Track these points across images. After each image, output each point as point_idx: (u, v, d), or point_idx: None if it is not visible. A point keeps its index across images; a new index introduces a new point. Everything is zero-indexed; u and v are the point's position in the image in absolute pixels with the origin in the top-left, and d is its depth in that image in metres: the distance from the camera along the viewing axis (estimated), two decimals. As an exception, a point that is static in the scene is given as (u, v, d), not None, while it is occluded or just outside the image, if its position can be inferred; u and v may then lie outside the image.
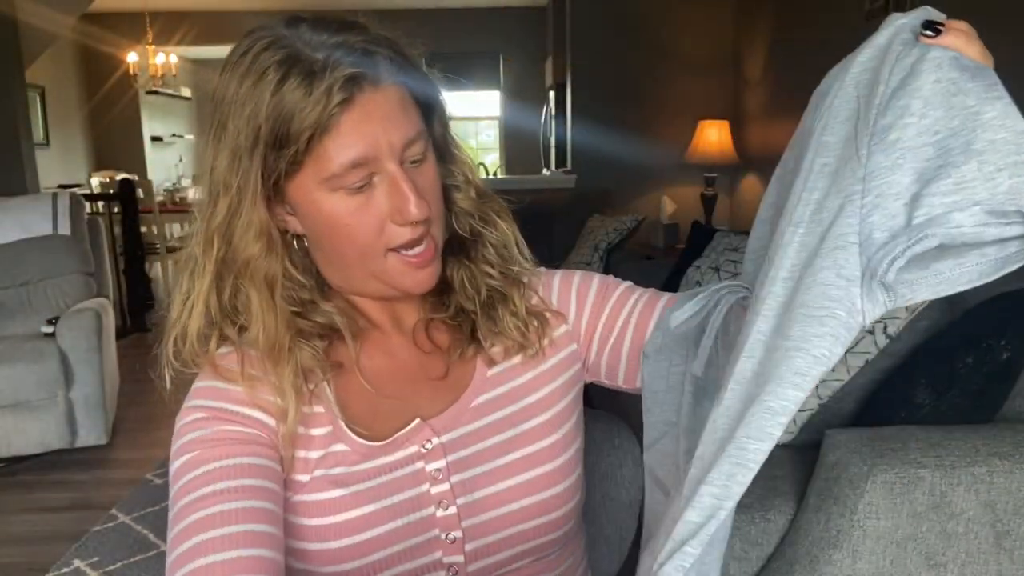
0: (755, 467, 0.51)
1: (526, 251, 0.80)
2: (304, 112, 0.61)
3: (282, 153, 0.63)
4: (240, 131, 0.64)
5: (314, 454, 0.69)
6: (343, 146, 0.63)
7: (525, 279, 0.79)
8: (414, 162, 0.67)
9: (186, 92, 9.22)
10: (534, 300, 0.79)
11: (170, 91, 8.39)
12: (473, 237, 0.77)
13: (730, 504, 0.52)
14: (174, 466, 0.65)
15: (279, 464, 0.67)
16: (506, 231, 0.78)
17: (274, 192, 0.67)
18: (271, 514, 0.63)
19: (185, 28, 7.84)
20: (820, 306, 0.50)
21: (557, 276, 0.82)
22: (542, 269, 0.82)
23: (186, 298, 0.69)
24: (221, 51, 9.33)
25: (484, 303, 0.76)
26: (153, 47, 7.18)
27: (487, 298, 0.76)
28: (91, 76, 8.12)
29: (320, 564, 0.67)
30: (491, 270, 0.76)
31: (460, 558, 0.69)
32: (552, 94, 5.96)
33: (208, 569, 0.57)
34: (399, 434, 0.70)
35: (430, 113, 0.72)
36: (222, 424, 0.66)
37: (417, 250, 0.67)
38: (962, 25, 0.51)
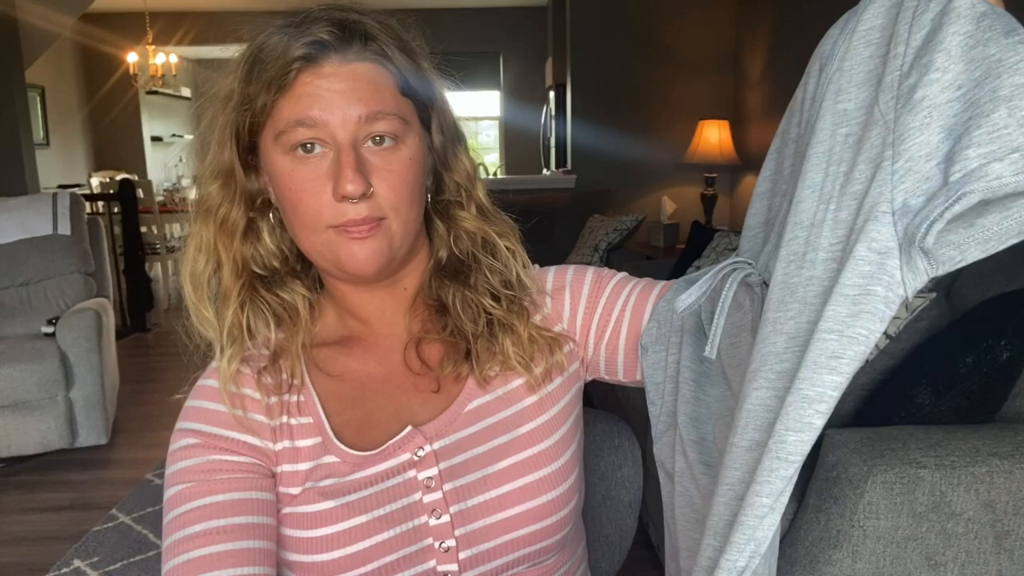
0: (797, 460, 0.48)
1: (532, 273, 0.78)
2: (270, 67, 0.64)
3: (248, 106, 0.66)
4: (219, 92, 0.69)
5: (303, 466, 0.69)
6: (294, 103, 0.64)
7: (527, 302, 0.76)
8: (377, 142, 0.66)
9: (186, 92, 9.22)
10: (537, 319, 0.76)
11: (170, 91, 8.39)
12: (473, 262, 0.75)
13: (780, 502, 0.49)
14: (167, 494, 0.67)
15: (272, 492, 0.68)
16: (509, 258, 0.76)
17: (252, 152, 0.70)
18: (263, 552, 0.64)
19: (185, 28, 7.84)
20: (853, 284, 0.47)
21: (551, 273, 0.80)
22: (536, 267, 0.80)
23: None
24: (221, 51, 9.34)
25: (482, 331, 0.73)
26: (153, 47, 7.18)
27: (486, 325, 0.73)
28: (91, 76, 8.12)
29: None
30: (489, 301, 0.74)
31: (455, 567, 0.68)
32: (552, 94, 5.96)
33: None
34: (390, 442, 0.70)
35: (426, 113, 0.71)
36: (213, 453, 0.67)
37: (358, 228, 0.66)
38: None
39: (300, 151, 0.65)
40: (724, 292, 0.60)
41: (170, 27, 7.72)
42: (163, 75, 7.30)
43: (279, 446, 0.70)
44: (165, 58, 7.34)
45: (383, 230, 0.67)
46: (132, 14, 7.41)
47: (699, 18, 4.79)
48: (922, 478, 1.20)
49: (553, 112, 5.97)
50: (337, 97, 0.64)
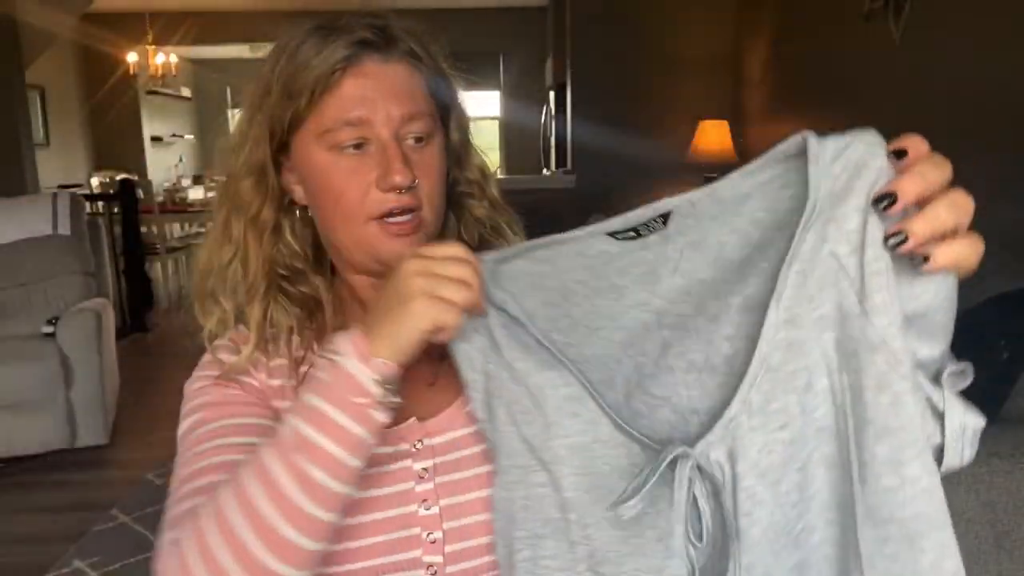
0: None
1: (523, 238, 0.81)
2: (313, 67, 0.67)
3: (288, 105, 0.69)
4: (256, 90, 0.71)
5: None
6: (342, 103, 0.68)
7: None
8: (417, 140, 0.70)
9: (186, 92, 9.22)
10: None
11: (170, 91, 8.39)
12: (480, 246, 0.78)
13: None
14: (182, 428, 0.70)
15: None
16: (514, 243, 0.79)
17: (283, 151, 0.72)
18: None
19: (185, 28, 7.83)
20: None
21: None
22: None
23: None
24: (221, 51, 9.33)
25: None
26: (153, 47, 7.18)
27: None
28: (91, 76, 8.12)
29: None
30: None
31: (439, 558, 0.68)
32: (552, 94, 5.96)
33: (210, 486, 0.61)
34: (394, 429, 0.71)
35: (446, 113, 0.76)
36: (225, 388, 0.72)
37: (399, 219, 0.70)
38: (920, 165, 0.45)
39: (351, 150, 0.69)
40: (676, 500, 0.53)
41: (170, 27, 7.72)
42: (163, 75, 7.30)
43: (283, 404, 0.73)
44: (165, 58, 7.34)
45: (421, 224, 0.71)
46: (132, 14, 7.41)
47: (699, 18, 4.79)
48: (922, 478, 1.21)
49: (553, 112, 5.97)
50: (380, 98, 0.69)
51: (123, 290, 4.87)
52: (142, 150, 8.46)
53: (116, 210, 4.94)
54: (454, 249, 0.58)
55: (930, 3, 2.69)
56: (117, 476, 2.80)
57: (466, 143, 0.79)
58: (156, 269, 6.02)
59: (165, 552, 0.57)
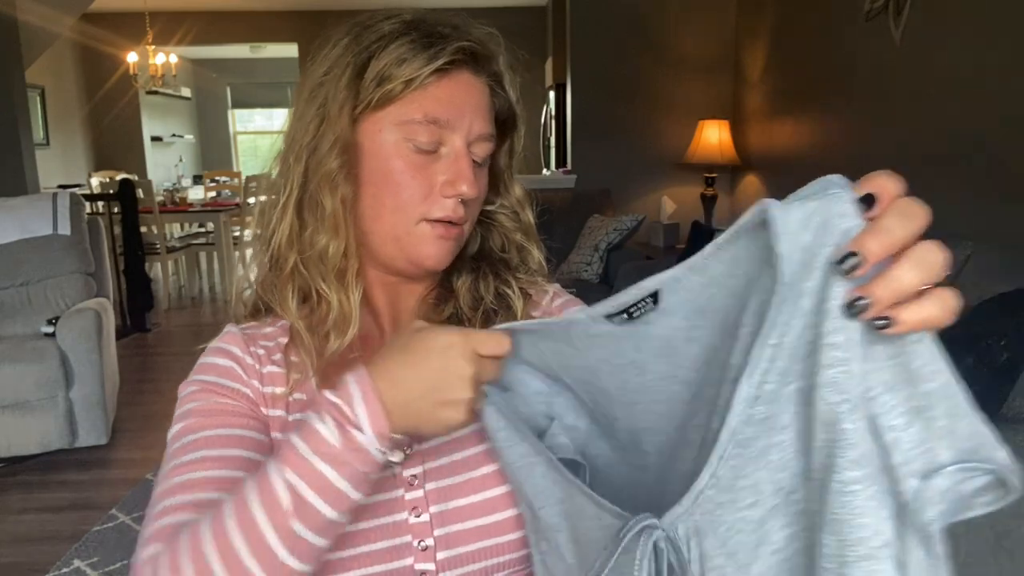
0: None
1: (544, 272, 0.82)
2: (414, 60, 0.67)
3: (377, 88, 0.68)
4: (335, 62, 0.70)
5: None
6: (433, 102, 0.69)
7: (532, 292, 0.79)
8: (478, 162, 0.72)
9: (186, 92, 9.22)
10: (536, 314, 0.79)
11: (170, 91, 8.39)
12: (501, 254, 0.80)
13: None
14: (172, 429, 0.69)
15: (267, 436, 0.70)
16: (536, 255, 0.81)
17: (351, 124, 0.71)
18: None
19: (185, 28, 7.84)
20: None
21: (560, 299, 0.81)
22: (551, 286, 0.82)
23: (263, 241, 0.75)
24: (221, 51, 9.32)
25: (483, 313, 0.75)
26: (153, 47, 7.18)
27: (490, 305, 0.76)
28: (91, 76, 8.12)
29: None
30: (492, 294, 0.78)
31: (431, 566, 0.68)
32: (552, 94, 5.96)
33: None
34: None
35: (503, 137, 0.77)
36: (217, 397, 0.70)
37: (448, 227, 0.71)
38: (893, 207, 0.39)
39: (426, 146, 0.69)
40: (638, 562, 0.50)
41: (170, 27, 7.72)
42: (163, 75, 7.30)
43: (273, 413, 0.72)
44: (165, 58, 7.34)
45: (460, 236, 0.74)
46: (132, 14, 7.41)
47: (699, 18, 4.79)
48: (922, 478, 1.21)
49: (553, 112, 5.97)
50: (467, 108, 0.70)
51: (123, 290, 4.87)
52: (142, 150, 8.46)
53: (116, 210, 4.94)
54: (497, 339, 0.57)
55: (930, 3, 2.69)
56: (117, 476, 2.80)
57: (510, 170, 0.80)
58: (156, 269, 6.02)
59: (140, 566, 0.56)
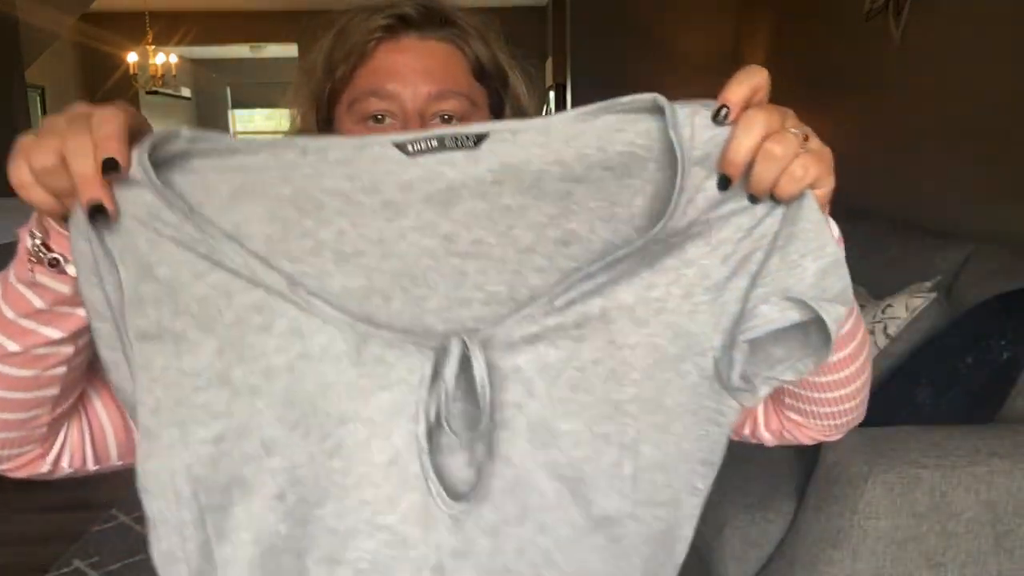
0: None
1: None
2: (352, 38, 0.68)
3: (328, 79, 0.70)
4: (307, 64, 0.73)
5: None
6: (370, 74, 0.69)
7: None
8: (445, 119, 0.69)
9: (186, 92, 9.22)
10: None
11: (170, 91, 8.38)
12: None
13: None
14: None
15: None
16: None
17: (328, 127, 0.72)
18: None
19: (185, 28, 7.83)
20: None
21: None
22: None
23: None
24: (221, 51, 9.31)
25: None
26: (153, 47, 7.17)
27: None
28: (91, 76, 8.12)
29: None
30: None
31: None
32: (552, 94, 5.96)
33: None
34: None
35: (499, 103, 0.76)
36: None
37: None
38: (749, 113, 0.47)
39: (371, 122, 0.69)
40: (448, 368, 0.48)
41: (170, 27, 7.72)
42: (163, 75, 7.29)
43: None
44: (165, 58, 7.33)
45: None
46: (132, 14, 7.41)
47: (699, 18, 4.79)
48: (922, 478, 1.20)
49: (553, 112, 5.96)
50: (411, 72, 0.68)
51: (123, 290, 4.86)
52: (142, 150, 8.45)
53: (116, 210, 4.93)
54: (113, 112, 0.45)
55: (930, 3, 2.69)
56: (117, 476, 2.79)
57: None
58: (156, 269, 6.01)
59: None
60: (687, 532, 0.55)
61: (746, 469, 1.50)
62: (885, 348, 1.58)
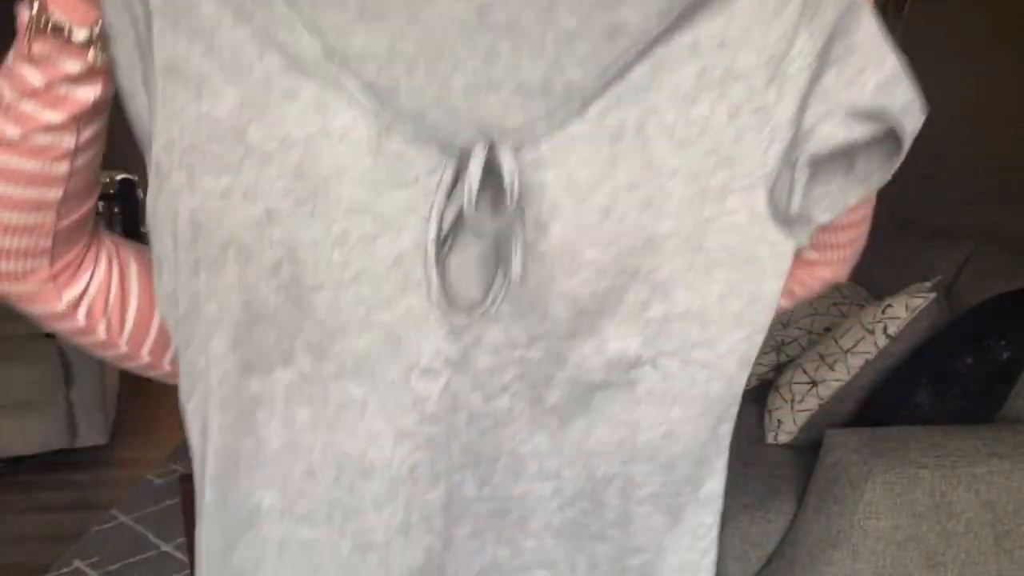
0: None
1: None
2: None
3: None
4: None
5: None
6: None
7: None
8: None
9: None
10: None
11: None
12: None
13: None
14: None
15: None
16: None
17: None
18: None
19: None
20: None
21: None
22: None
23: None
24: (221, 51, 9.29)
25: None
26: None
27: None
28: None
29: None
30: None
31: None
32: (552, 94, 5.95)
33: None
34: None
35: None
36: None
37: None
38: None
39: None
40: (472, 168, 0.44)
41: None
42: None
43: None
44: None
45: None
46: None
47: (699, 18, 4.79)
48: (922, 478, 1.20)
49: None
50: None
51: (123, 290, 4.86)
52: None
53: (116, 210, 4.94)
54: None
55: (930, 4, 2.69)
56: (117, 476, 2.80)
57: None
58: (156, 269, 6.02)
59: None
60: (731, 410, 0.51)
61: (746, 469, 1.50)
62: (885, 348, 1.58)
